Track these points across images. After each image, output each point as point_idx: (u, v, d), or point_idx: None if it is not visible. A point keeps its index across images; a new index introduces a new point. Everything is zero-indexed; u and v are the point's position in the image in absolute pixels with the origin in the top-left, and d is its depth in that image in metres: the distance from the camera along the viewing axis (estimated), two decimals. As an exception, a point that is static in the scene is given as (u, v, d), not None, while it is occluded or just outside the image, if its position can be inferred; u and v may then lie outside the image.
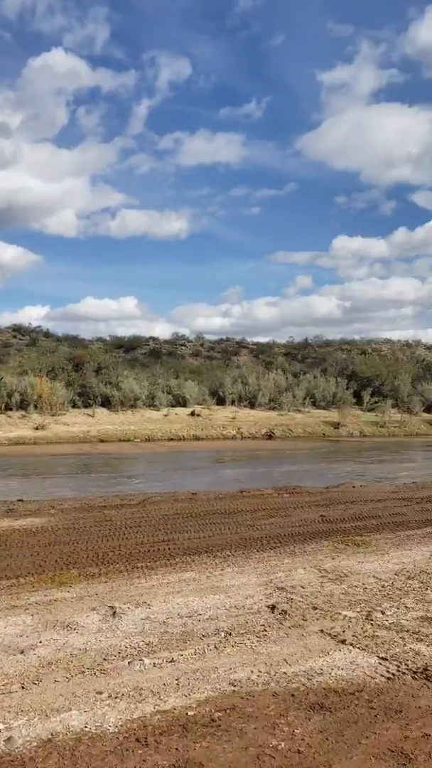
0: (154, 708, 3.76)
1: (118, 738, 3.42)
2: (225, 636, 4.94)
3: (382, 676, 4.23)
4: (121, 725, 3.55)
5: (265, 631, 5.06)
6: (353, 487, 14.79)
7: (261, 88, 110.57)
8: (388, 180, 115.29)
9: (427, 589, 6.20)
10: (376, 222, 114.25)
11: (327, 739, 3.42)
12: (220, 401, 41.92)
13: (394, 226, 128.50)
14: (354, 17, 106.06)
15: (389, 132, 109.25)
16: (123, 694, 3.94)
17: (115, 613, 5.47)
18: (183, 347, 70.03)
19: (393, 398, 43.72)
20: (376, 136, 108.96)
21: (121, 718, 3.62)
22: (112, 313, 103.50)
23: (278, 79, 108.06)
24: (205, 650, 4.67)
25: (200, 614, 5.48)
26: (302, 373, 46.40)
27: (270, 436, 35.85)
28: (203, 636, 4.95)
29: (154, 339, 71.71)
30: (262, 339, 59.97)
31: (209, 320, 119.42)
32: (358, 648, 4.70)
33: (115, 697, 3.89)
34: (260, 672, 4.29)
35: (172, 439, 33.29)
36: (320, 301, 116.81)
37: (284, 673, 4.28)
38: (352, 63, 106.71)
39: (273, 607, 5.60)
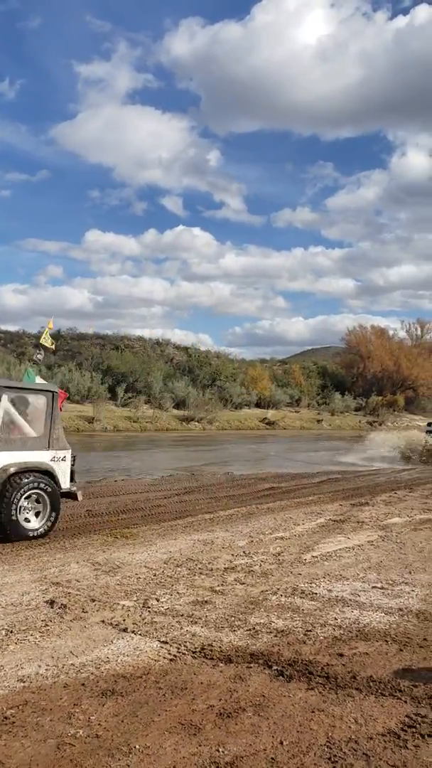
0: None
1: None
2: (6, 634, 4.86)
3: (165, 658, 4.51)
4: None
5: (47, 625, 5.07)
6: (115, 481, 15.08)
7: (16, 69, 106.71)
8: (141, 181, 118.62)
9: (194, 575, 6.65)
10: (128, 220, 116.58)
11: (122, 721, 3.60)
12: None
13: (145, 227, 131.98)
14: (113, 16, 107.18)
15: (143, 134, 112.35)
16: None
17: None
18: None
19: (146, 394, 45.13)
20: (130, 137, 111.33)
21: None
22: None
23: (35, 62, 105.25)
24: (-12, 650, 4.56)
25: (-24, 615, 5.30)
26: (57, 366, 45.69)
27: (22, 430, 34.78)
28: (-17, 636, 4.81)
29: None
30: (11, 327, 57.41)
31: None
32: (140, 634, 4.94)
33: None
34: (48, 666, 4.32)
35: None
36: (72, 293, 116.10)
37: (72, 664, 4.36)
38: (109, 60, 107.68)
39: (52, 602, 5.61)
